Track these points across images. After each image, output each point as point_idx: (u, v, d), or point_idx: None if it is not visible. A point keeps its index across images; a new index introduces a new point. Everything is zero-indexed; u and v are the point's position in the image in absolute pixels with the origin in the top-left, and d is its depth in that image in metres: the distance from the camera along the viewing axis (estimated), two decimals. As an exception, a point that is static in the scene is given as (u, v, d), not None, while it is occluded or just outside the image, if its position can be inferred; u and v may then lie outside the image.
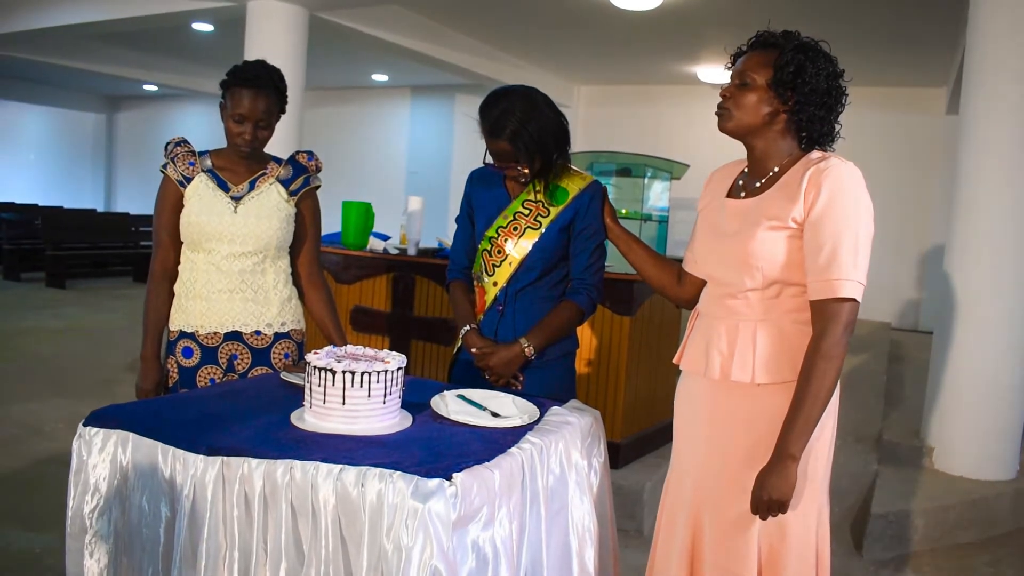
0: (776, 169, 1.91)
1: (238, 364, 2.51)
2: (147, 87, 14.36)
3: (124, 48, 11.24)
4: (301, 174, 2.60)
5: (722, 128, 1.95)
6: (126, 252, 12.60)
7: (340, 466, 1.55)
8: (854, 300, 1.75)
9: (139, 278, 12.23)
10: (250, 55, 6.56)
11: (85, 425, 1.83)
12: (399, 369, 1.87)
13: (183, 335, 2.50)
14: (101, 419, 1.84)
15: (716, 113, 1.94)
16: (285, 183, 2.56)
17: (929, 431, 4.43)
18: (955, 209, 4.32)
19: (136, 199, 16.30)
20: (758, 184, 1.94)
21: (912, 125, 9.62)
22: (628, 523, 3.72)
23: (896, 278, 9.67)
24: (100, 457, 1.81)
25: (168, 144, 2.55)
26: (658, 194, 7.82)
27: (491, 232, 2.43)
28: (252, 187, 2.51)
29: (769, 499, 1.76)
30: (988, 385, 4.17)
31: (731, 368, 1.89)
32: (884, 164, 9.37)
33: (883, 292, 9.60)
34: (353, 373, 1.79)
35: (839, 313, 1.75)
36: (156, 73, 12.43)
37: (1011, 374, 4.17)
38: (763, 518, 1.81)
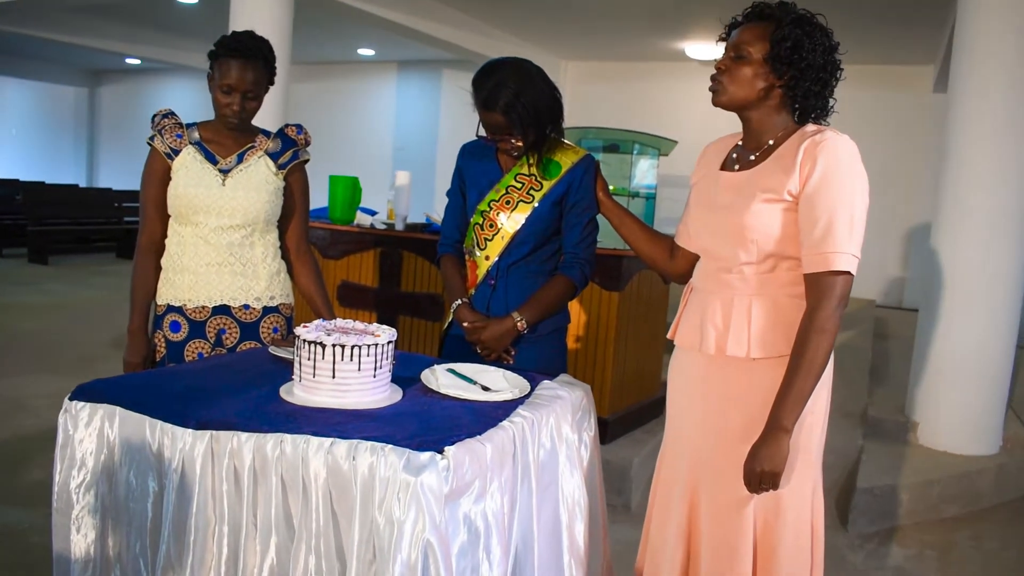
0: (771, 142, 1.90)
1: (226, 338, 2.49)
2: (130, 60, 14.17)
3: (106, 21, 11.07)
4: (290, 147, 2.57)
5: (716, 102, 1.93)
6: (109, 228, 12.47)
7: (331, 439, 1.54)
8: (848, 273, 1.75)
9: (123, 254, 12.13)
10: (235, 28, 6.46)
11: (71, 399, 1.81)
12: (389, 343, 1.86)
13: (171, 309, 2.48)
14: (88, 393, 1.82)
15: (710, 88, 1.93)
16: (274, 156, 2.52)
17: (914, 407, 4.47)
18: (942, 187, 4.33)
19: (119, 174, 16.12)
20: (752, 157, 1.92)
21: (899, 103, 9.62)
22: (615, 498, 3.73)
23: (881, 256, 9.70)
24: (87, 431, 1.80)
25: (155, 116, 2.51)
26: (646, 171, 7.78)
27: (483, 206, 2.41)
28: (240, 160, 2.48)
29: (762, 471, 1.76)
30: (972, 362, 4.20)
31: (726, 343, 1.88)
32: (870, 142, 9.33)
33: (868, 269, 9.63)
34: (343, 347, 1.77)
35: (833, 286, 1.75)
36: (139, 46, 12.25)
37: (995, 351, 4.21)
38: (755, 492, 1.81)
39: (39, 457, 3.95)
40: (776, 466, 1.76)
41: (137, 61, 14.08)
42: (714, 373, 1.94)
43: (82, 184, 16.08)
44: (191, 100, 14.80)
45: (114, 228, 12.46)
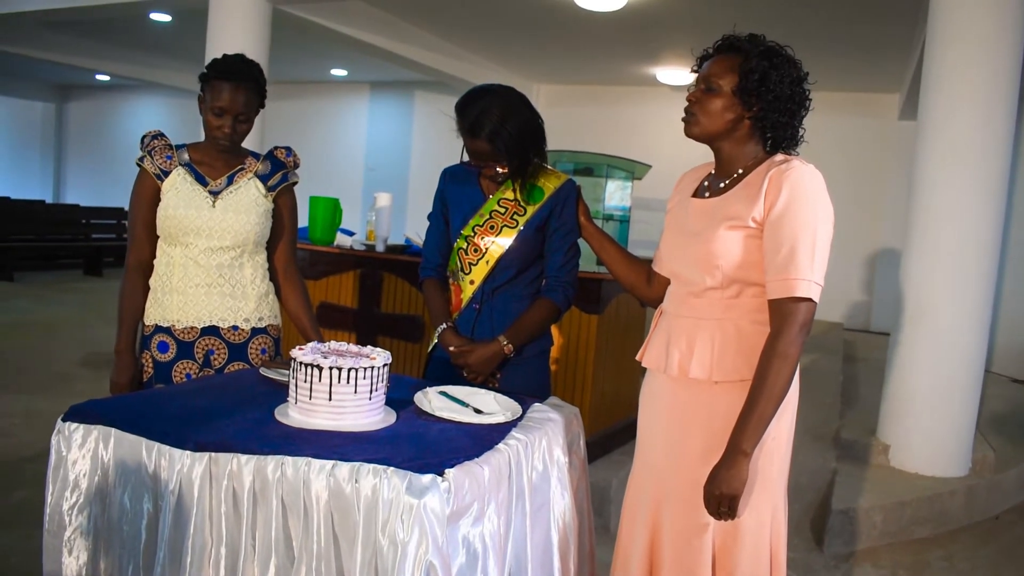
0: (740, 171, 1.94)
1: (215, 359, 2.49)
2: (100, 77, 14.04)
3: (77, 37, 10.98)
4: (279, 170, 2.59)
5: (688, 133, 1.97)
6: (76, 244, 12.33)
7: (333, 462, 1.55)
8: (811, 300, 1.78)
9: (90, 271, 12.01)
10: (211, 48, 6.48)
11: (64, 420, 1.81)
12: (385, 365, 1.88)
13: (159, 329, 2.47)
14: (81, 414, 1.81)
15: (683, 119, 1.97)
16: (263, 178, 2.54)
17: (885, 429, 4.54)
18: (911, 215, 4.42)
19: (87, 191, 15.94)
20: (722, 184, 1.97)
21: (865, 130, 9.79)
22: (595, 520, 3.74)
23: (848, 280, 9.85)
24: (80, 453, 1.79)
25: (145, 137, 2.51)
26: (617, 194, 7.86)
27: (467, 231, 2.43)
28: (230, 182, 2.49)
29: (720, 494, 1.79)
30: (942, 385, 4.28)
31: (689, 365, 1.92)
32: (836, 169, 9.48)
33: (836, 293, 9.77)
34: (340, 369, 1.79)
35: (795, 312, 1.78)
36: (109, 63, 12.16)
37: (964, 374, 4.29)
38: (713, 514, 1.83)
39: (14, 478, 3.90)
40: (734, 489, 1.79)
41: (107, 77, 13.96)
42: (678, 395, 1.97)
43: (48, 200, 15.89)
44: (161, 117, 14.71)
45: (81, 245, 12.32)
